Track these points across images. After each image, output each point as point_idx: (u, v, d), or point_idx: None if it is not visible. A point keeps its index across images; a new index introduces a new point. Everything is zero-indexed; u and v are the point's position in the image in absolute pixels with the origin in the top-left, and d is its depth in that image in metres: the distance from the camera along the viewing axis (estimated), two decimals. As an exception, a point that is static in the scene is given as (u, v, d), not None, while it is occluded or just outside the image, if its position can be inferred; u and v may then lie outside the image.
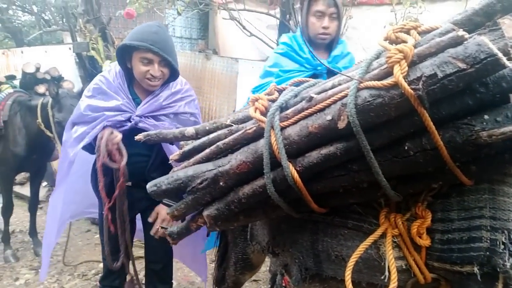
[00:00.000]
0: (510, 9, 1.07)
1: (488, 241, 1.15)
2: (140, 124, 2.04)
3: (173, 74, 2.12)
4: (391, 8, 3.97)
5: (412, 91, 0.98)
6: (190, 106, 2.23)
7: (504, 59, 0.95)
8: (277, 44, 5.10)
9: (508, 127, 0.98)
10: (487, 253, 1.15)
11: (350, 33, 4.71)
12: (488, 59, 0.93)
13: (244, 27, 4.80)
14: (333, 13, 2.06)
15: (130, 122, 2.05)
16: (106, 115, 2.03)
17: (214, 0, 5.31)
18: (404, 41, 1.11)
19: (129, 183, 2.12)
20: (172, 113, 2.14)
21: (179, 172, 1.37)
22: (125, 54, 2.04)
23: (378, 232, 1.28)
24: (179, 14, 5.21)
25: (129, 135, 2.03)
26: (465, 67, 0.95)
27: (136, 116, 2.05)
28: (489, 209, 1.17)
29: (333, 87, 1.21)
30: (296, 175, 1.21)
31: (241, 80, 4.92)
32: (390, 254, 1.24)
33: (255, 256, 1.92)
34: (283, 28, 4.75)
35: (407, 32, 1.15)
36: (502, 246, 1.14)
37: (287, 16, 4.55)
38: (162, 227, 1.47)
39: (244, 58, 5.10)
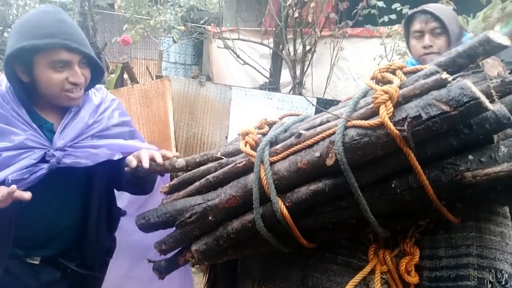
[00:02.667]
0: (491, 52, 1.11)
1: (476, 279, 1.16)
2: (67, 161, 1.39)
3: (96, 74, 1.52)
4: (381, 41, 4.08)
5: (397, 132, 1.01)
6: (120, 114, 1.63)
7: (486, 102, 0.97)
8: (270, 73, 5.20)
9: (492, 169, 1.00)
10: (475, 291, 1.15)
11: (341, 64, 4.83)
12: (471, 102, 0.96)
13: (238, 56, 4.89)
14: (434, 28, 1.79)
15: (47, 162, 1.38)
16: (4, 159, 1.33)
17: (209, 29, 5.42)
18: (390, 81, 1.14)
19: (36, 260, 1.48)
20: (103, 128, 1.52)
21: (168, 205, 1.36)
22: (14, 64, 1.37)
23: (367, 268, 1.27)
24: (174, 42, 5.30)
25: (48, 183, 1.39)
26: (448, 110, 0.97)
27: (56, 149, 1.39)
28: (476, 247, 1.18)
29: (321, 123, 1.23)
30: (285, 210, 1.21)
31: (234, 107, 4.96)
32: (379, 291, 1.23)
33: (246, 290, 1.89)
34: (276, 57, 4.85)
35: (393, 72, 1.18)
36: (490, 285, 1.15)
37: (280, 46, 4.65)
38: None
39: (238, 86, 5.17)
